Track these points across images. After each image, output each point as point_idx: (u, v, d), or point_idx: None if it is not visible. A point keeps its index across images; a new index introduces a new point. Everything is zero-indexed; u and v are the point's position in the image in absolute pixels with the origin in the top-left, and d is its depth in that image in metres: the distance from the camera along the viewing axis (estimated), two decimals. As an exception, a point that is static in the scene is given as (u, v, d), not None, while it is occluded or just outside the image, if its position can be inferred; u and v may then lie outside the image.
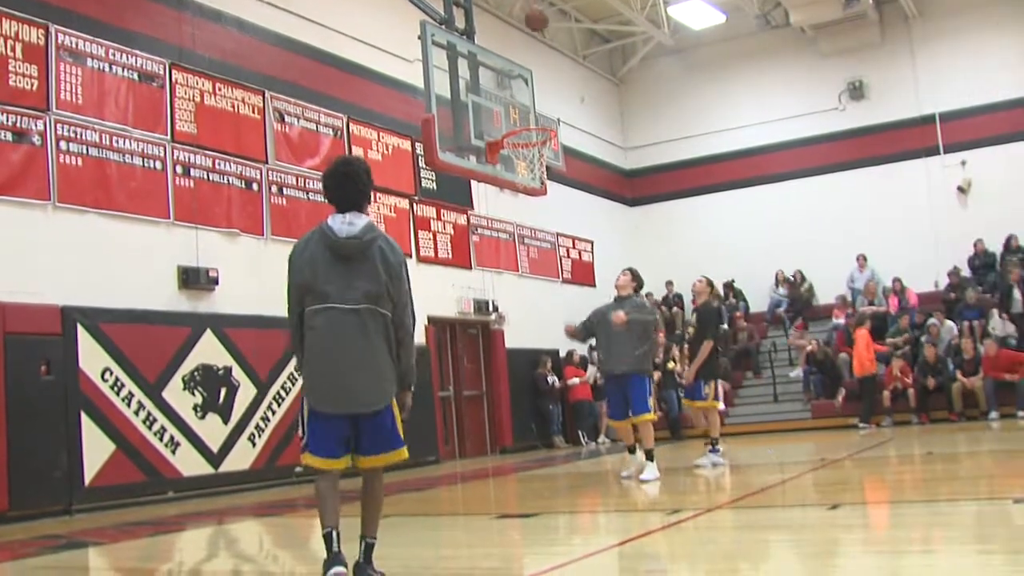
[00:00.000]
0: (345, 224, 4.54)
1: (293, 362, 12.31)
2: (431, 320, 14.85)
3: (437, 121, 9.24)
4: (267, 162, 12.62)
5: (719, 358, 10.77)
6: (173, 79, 11.53)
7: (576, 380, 17.46)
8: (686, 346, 10.95)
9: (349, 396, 4.45)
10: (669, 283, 20.36)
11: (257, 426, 11.72)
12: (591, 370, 17.90)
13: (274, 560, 6.91)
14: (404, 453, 4.60)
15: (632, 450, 9.89)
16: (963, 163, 19.05)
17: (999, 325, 16.42)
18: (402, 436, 4.59)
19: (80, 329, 9.97)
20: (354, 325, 4.46)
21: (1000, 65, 18.78)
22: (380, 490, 4.66)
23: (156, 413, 10.58)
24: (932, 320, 16.94)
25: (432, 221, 15.54)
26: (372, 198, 4.68)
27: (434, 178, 15.49)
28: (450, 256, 15.80)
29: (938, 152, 19.31)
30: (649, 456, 9.29)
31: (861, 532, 5.89)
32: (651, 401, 9.53)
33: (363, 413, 4.48)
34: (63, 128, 10.23)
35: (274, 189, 12.65)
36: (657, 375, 11.07)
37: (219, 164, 11.93)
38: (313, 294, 4.52)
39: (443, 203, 15.80)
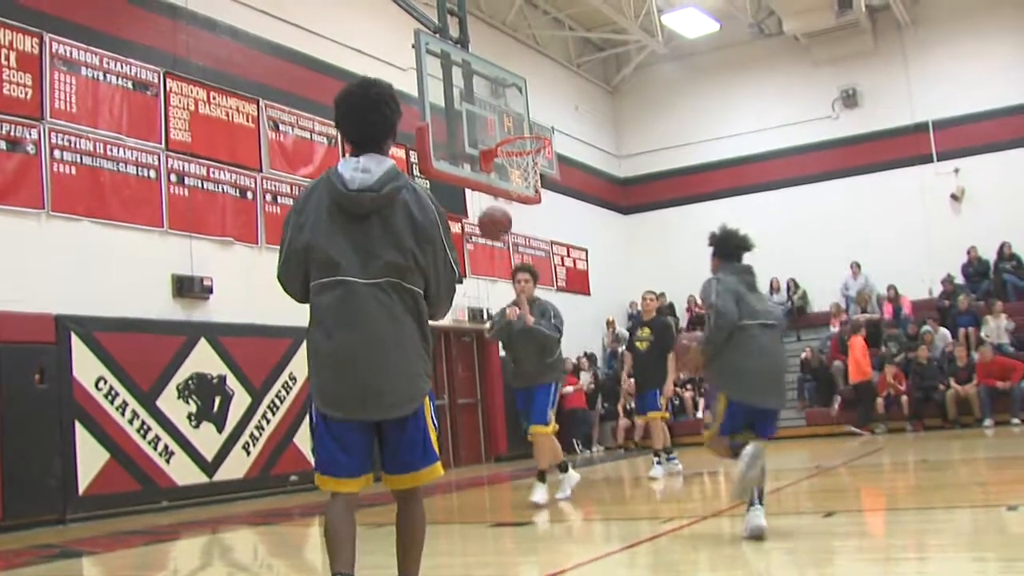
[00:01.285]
0: (358, 171, 3.47)
1: (288, 371, 12.43)
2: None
3: (431, 129, 9.25)
4: (261, 171, 12.62)
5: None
6: (167, 88, 11.53)
7: (570, 388, 17.41)
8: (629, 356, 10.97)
9: (370, 397, 3.42)
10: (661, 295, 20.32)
11: (251, 435, 11.70)
12: (585, 377, 17.91)
13: (268, 569, 6.89)
14: (438, 470, 3.57)
15: (542, 478, 8.71)
16: (956, 170, 19.09)
17: (993, 332, 16.44)
18: (437, 448, 3.57)
19: (74, 338, 9.95)
20: (375, 304, 3.42)
21: (993, 72, 18.85)
22: (418, 517, 3.61)
23: (150, 422, 10.56)
24: (926, 327, 16.96)
25: (427, 229, 15.52)
26: (396, 136, 3.67)
27: (428, 186, 15.48)
28: (445, 264, 15.77)
29: (931, 159, 19.35)
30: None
31: (856, 540, 5.89)
32: (550, 413, 8.80)
33: (388, 419, 3.46)
34: (57, 137, 10.23)
35: (268, 198, 12.64)
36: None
37: (213, 173, 11.93)
38: (319, 263, 3.45)
39: (438, 211, 15.78)
